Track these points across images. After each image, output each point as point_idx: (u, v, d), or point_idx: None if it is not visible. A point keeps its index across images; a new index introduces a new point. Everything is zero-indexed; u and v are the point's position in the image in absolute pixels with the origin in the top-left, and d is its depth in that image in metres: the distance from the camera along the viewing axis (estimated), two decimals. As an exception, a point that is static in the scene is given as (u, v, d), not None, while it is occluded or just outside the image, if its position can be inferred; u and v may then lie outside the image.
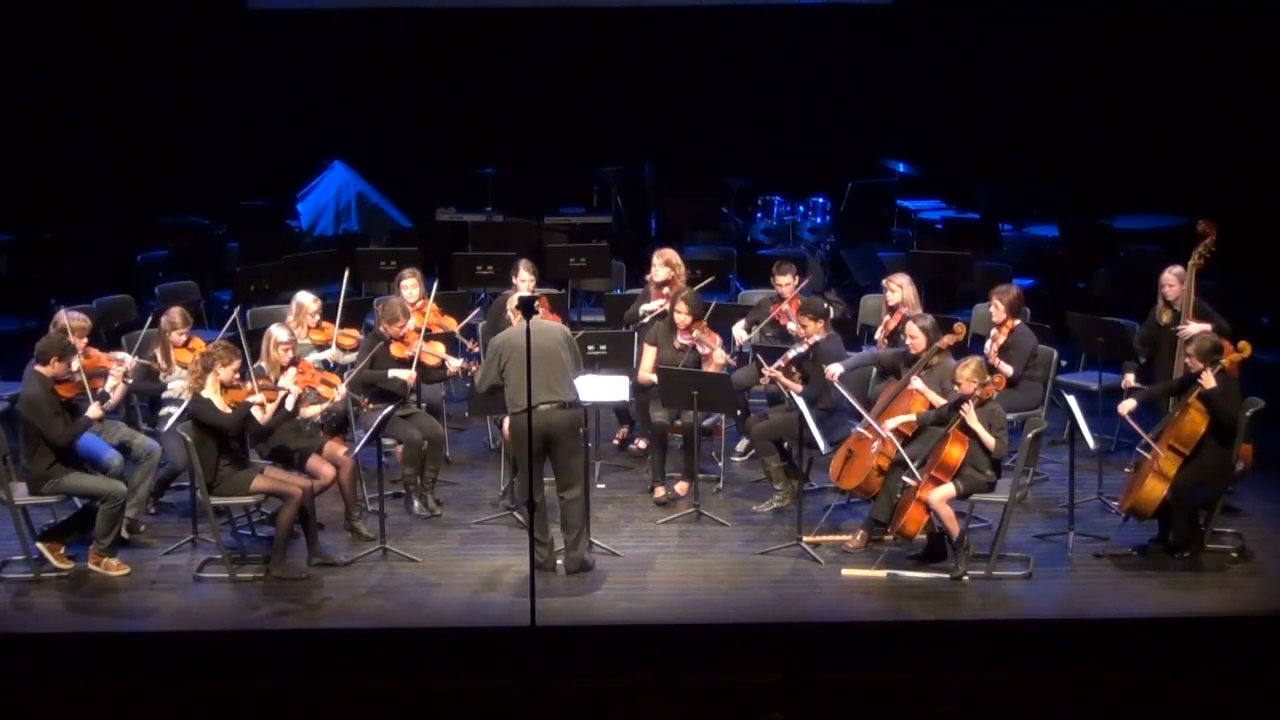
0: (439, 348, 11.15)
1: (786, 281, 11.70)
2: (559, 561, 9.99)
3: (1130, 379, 10.87)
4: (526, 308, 9.30)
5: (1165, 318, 11.07)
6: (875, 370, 11.17)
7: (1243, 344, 10.18)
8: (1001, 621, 9.44)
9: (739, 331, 11.64)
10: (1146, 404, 10.34)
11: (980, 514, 10.28)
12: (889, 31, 17.10)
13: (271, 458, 10.24)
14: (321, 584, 9.85)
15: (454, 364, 11.14)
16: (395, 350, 10.85)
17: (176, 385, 10.64)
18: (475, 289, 13.60)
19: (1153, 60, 16.36)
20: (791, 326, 11.26)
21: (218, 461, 9.84)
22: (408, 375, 10.78)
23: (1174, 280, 11.03)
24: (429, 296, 11.69)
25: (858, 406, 10.37)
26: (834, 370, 10.53)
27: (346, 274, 12.14)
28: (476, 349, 11.74)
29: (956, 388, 9.90)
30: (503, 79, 17.23)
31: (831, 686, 8.39)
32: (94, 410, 9.90)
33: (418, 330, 11.00)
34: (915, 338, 10.47)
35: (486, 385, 10.01)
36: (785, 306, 11.57)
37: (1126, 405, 10.14)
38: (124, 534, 10.15)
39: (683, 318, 11.15)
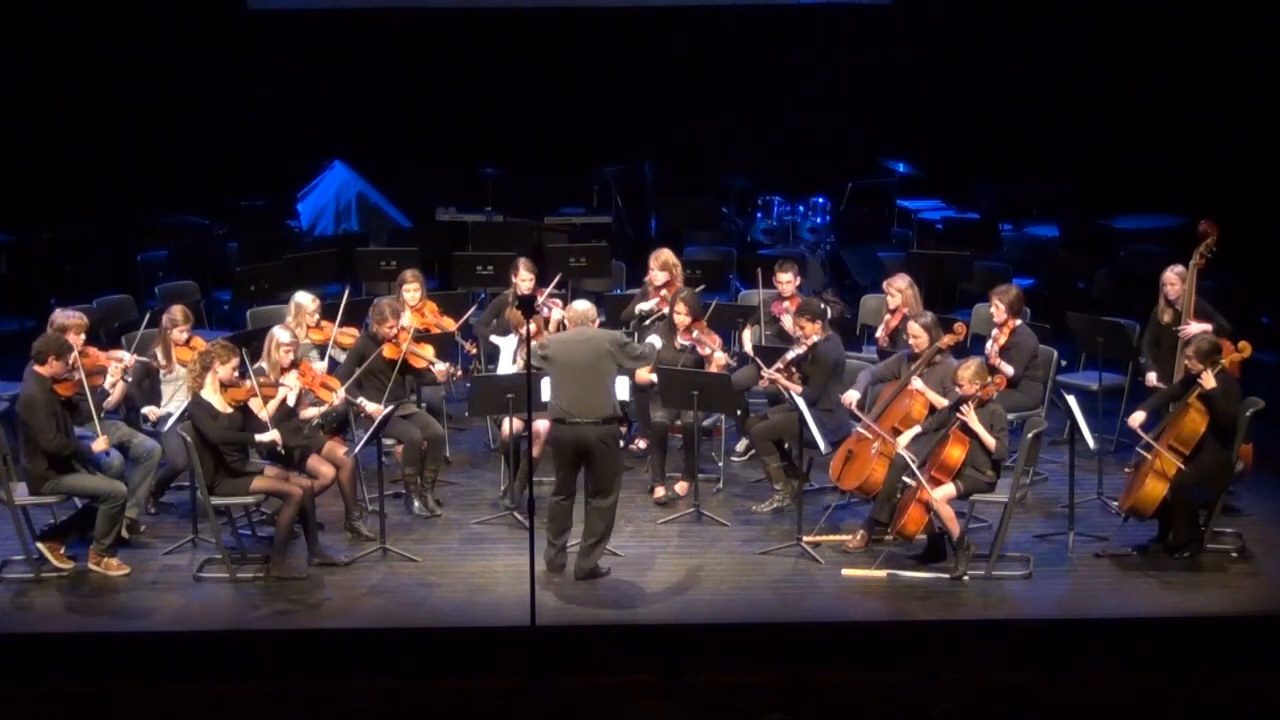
0: (428, 350, 11.12)
1: (787, 280, 11.71)
2: (563, 564, 9.98)
3: (1152, 378, 10.87)
4: (527, 307, 9.32)
5: (1167, 317, 11.08)
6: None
7: (1243, 344, 10.18)
8: (1001, 621, 9.44)
9: (749, 344, 11.63)
10: (1154, 412, 10.32)
11: (980, 514, 10.28)
12: (889, 31, 17.11)
13: (271, 457, 10.24)
14: (321, 584, 9.85)
15: (440, 368, 11.11)
16: (387, 351, 10.84)
17: (170, 409, 10.63)
18: (475, 289, 13.61)
19: (1153, 60, 16.37)
20: (786, 321, 11.28)
21: (218, 462, 9.84)
22: (375, 409, 10.53)
23: (1175, 279, 11.03)
24: (429, 297, 11.70)
25: (859, 414, 10.35)
26: (851, 397, 10.52)
27: (348, 288, 12.15)
28: (474, 350, 11.74)
29: (956, 389, 9.90)
30: (503, 79, 17.23)
31: (831, 686, 8.39)
32: (100, 443, 9.89)
33: (408, 329, 10.99)
34: (917, 336, 10.48)
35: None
36: (785, 304, 11.58)
37: (1136, 419, 10.11)
38: (124, 534, 10.14)
39: (682, 318, 11.15)
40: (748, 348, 11.57)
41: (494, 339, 11.68)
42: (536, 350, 9.88)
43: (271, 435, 9.89)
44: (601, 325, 10.97)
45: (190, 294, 13.35)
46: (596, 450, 9.70)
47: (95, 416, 9.97)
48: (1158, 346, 11.14)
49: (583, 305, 10.23)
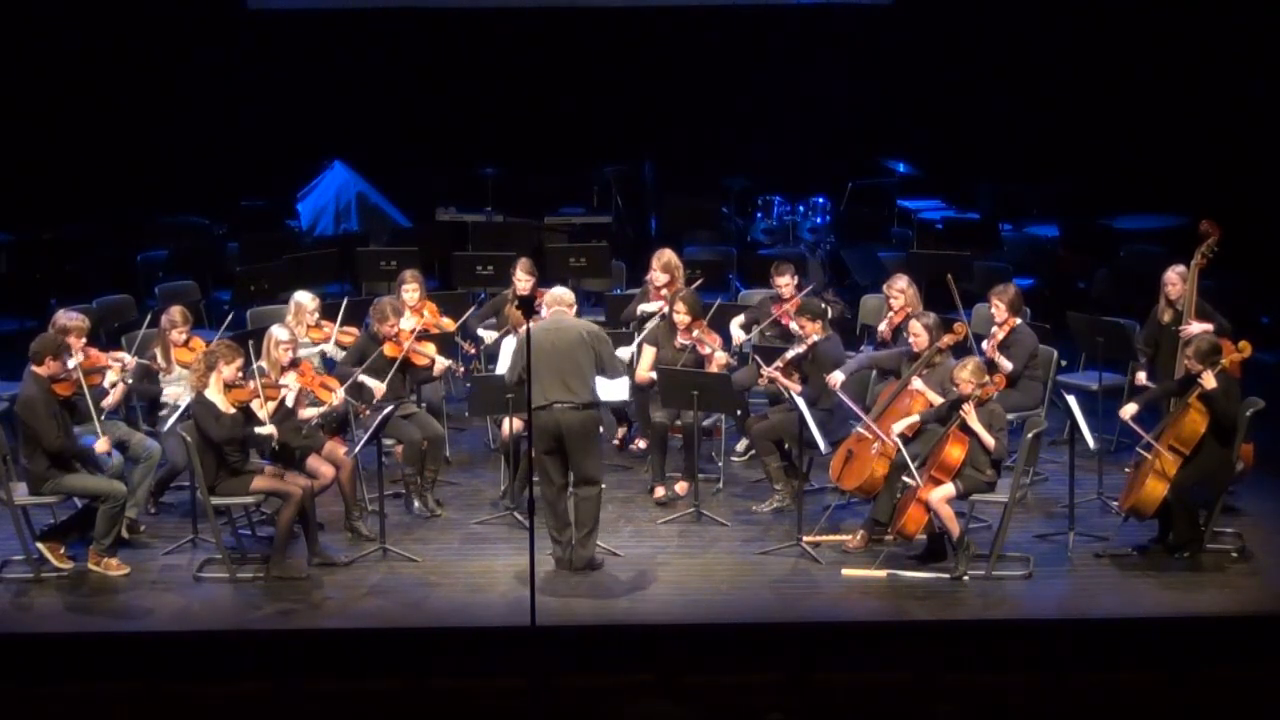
0: (430, 348, 11.14)
1: (785, 282, 11.71)
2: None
3: (1142, 376, 10.87)
4: (526, 307, 9.33)
5: (1167, 317, 11.07)
6: (875, 371, 11.16)
7: (1243, 344, 10.18)
8: (1001, 621, 9.44)
9: (736, 330, 11.66)
10: (1148, 407, 10.33)
11: (980, 514, 10.28)
12: (889, 31, 17.11)
13: (271, 457, 10.24)
14: (321, 584, 9.85)
15: (442, 363, 11.13)
16: (388, 350, 10.84)
17: (173, 391, 10.64)
18: (475, 289, 13.61)
19: (1153, 60, 16.37)
20: (793, 326, 11.28)
21: (218, 461, 9.84)
22: (377, 387, 10.70)
23: (1176, 279, 11.03)
24: (428, 298, 11.71)
25: (857, 411, 10.37)
26: (836, 378, 10.52)
27: (347, 290, 12.17)
28: (473, 350, 11.75)
29: (955, 388, 9.90)
30: (503, 79, 17.23)
31: (831, 686, 8.39)
32: (101, 444, 9.87)
33: (412, 331, 11.00)
34: (918, 335, 10.48)
35: (515, 378, 9.97)
36: (786, 306, 11.58)
37: (1128, 410, 10.13)
38: (124, 534, 10.14)
39: (682, 318, 11.15)
40: (736, 337, 11.57)
41: (481, 331, 11.71)
42: (519, 341, 9.92)
43: (269, 429, 9.88)
44: (601, 325, 11.01)
45: (190, 294, 13.35)
46: (577, 434, 9.73)
47: (95, 417, 9.96)
48: (1156, 346, 11.14)
49: (559, 289, 10.29)
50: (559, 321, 10.02)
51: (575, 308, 10.36)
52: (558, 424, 9.73)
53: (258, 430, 9.88)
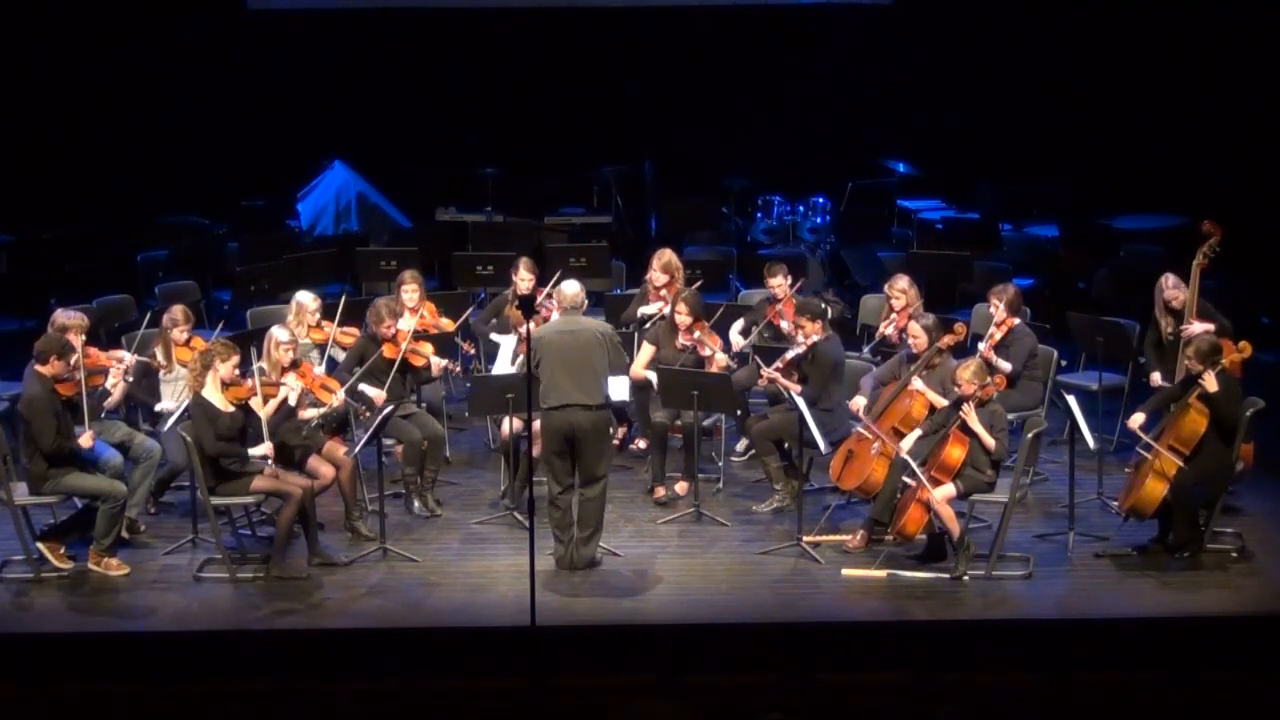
0: (427, 348, 11.13)
1: (778, 283, 11.71)
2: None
3: (1156, 378, 10.85)
4: (527, 307, 9.33)
5: (1166, 325, 11.03)
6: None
7: (1243, 344, 10.19)
8: (1001, 621, 9.44)
9: (735, 337, 11.65)
10: (1154, 414, 10.32)
11: (980, 514, 10.28)
12: (889, 31, 17.11)
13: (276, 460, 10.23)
14: (321, 584, 9.85)
15: (438, 363, 11.12)
16: (386, 351, 10.84)
17: (169, 405, 10.62)
18: (475, 289, 13.61)
19: (1153, 60, 16.37)
20: (784, 326, 11.28)
21: (218, 461, 9.83)
22: (378, 395, 10.71)
23: (1176, 293, 10.99)
24: (428, 298, 11.71)
25: (862, 416, 10.36)
26: (858, 403, 10.52)
27: (350, 292, 12.15)
28: (472, 350, 11.75)
29: (956, 388, 9.90)
30: (503, 79, 17.24)
31: (831, 686, 8.40)
32: (85, 439, 9.86)
33: (409, 331, 10.99)
34: (917, 337, 10.50)
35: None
36: (779, 307, 11.58)
37: (1136, 420, 10.10)
38: (124, 534, 10.14)
39: (683, 319, 11.15)
40: (736, 342, 11.56)
41: (494, 336, 11.70)
42: (533, 339, 9.90)
43: (265, 448, 9.87)
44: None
45: (190, 294, 13.35)
46: (589, 436, 9.74)
47: (86, 419, 9.93)
48: (1160, 347, 11.13)
49: (572, 289, 10.21)
50: (573, 322, 10.01)
51: (587, 304, 10.34)
52: (570, 425, 9.74)
53: (254, 451, 9.87)
